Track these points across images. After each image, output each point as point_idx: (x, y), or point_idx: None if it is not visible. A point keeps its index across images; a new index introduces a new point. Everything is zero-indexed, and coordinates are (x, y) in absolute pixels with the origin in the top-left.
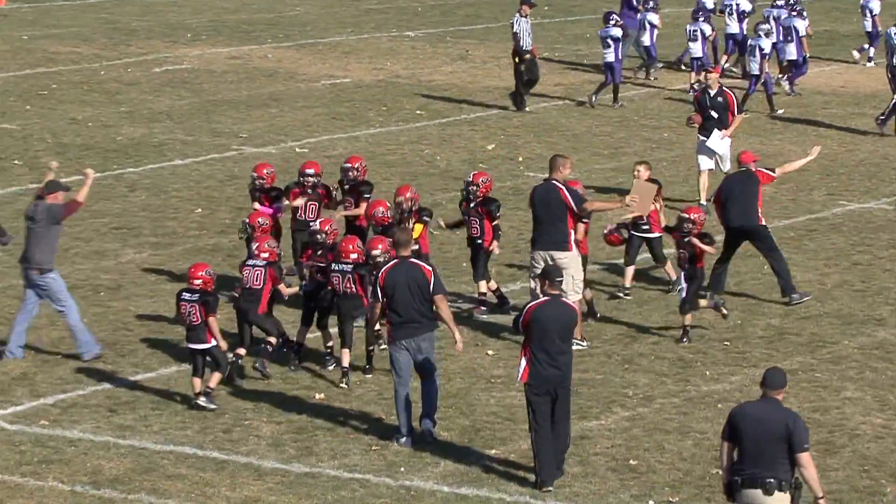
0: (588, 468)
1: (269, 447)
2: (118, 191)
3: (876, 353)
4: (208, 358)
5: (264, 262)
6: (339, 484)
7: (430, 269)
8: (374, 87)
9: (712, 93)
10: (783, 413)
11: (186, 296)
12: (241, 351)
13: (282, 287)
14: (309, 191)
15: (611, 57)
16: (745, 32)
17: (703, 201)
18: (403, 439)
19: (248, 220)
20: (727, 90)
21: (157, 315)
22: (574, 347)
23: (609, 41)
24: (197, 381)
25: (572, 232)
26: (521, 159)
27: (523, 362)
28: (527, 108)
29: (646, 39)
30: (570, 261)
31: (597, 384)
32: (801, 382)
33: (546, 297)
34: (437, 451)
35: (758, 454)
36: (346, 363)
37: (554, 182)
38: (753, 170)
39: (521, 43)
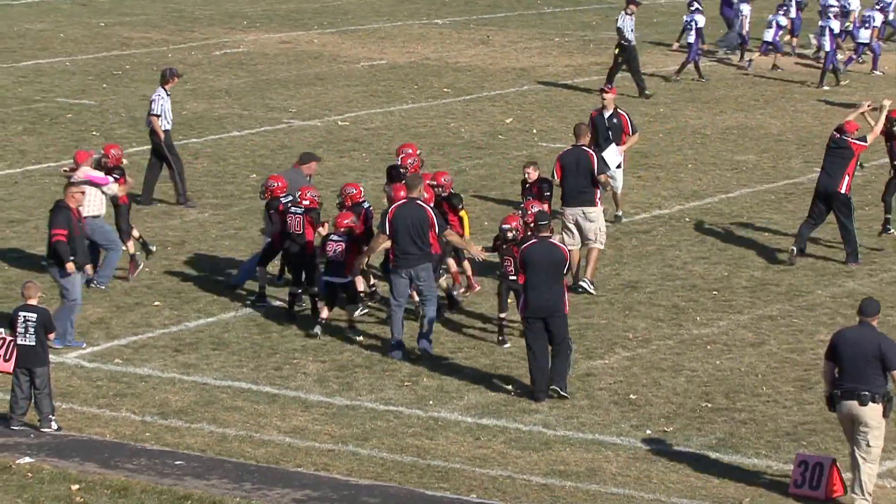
0: (593, 402)
1: (315, 383)
2: (183, 159)
3: (846, 301)
4: (343, 294)
5: (303, 210)
6: (376, 415)
7: (432, 210)
8: (407, 68)
9: (607, 114)
10: (877, 336)
11: (334, 237)
12: (297, 290)
13: (321, 229)
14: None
15: (692, 38)
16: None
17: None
18: (396, 352)
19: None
20: (622, 112)
21: (217, 267)
22: (579, 288)
23: (691, 24)
24: (325, 309)
25: (598, 190)
26: (535, 131)
27: (521, 297)
28: (647, 92)
29: (739, 26)
30: (597, 215)
31: (601, 328)
32: (780, 327)
33: (535, 240)
34: (462, 387)
35: (855, 371)
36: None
37: (583, 147)
38: (850, 141)
39: (626, 36)
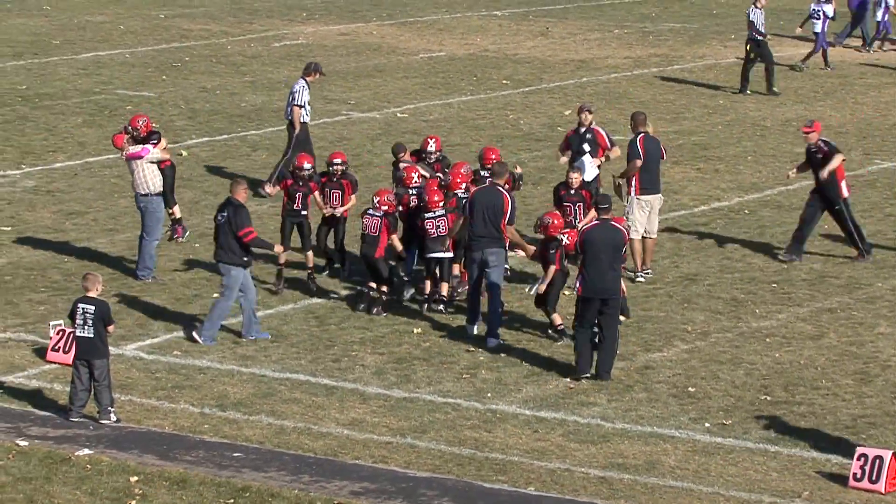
0: (652, 394)
1: (373, 375)
2: (242, 150)
3: None
4: (438, 268)
5: (381, 213)
6: (434, 407)
7: (510, 198)
8: (466, 60)
9: (582, 130)
10: None
11: (428, 216)
12: (372, 284)
13: (394, 238)
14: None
15: (818, 28)
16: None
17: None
18: (471, 327)
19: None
20: (596, 127)
21: (274, 259)
22: (639, 279)
23: (818, 14)
24: (428, 284)
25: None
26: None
27: (578, 279)
28: (775, 90)
29: (879, 16)
30: (660, 201)
31: (659, 320)
32: (840, 320)
33: (597, 221)
34: (520, 379)
35: None
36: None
37: (651, 135)
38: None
39: (760, 30)
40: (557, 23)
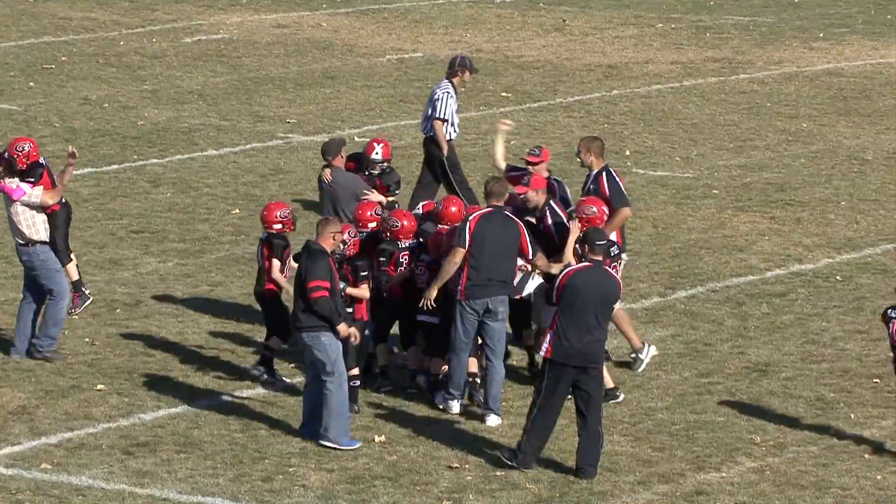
0: None
1: (318, 500)
2: (139, 186)
3: None
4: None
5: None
6: None
7: (524, 226)
8: None
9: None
10: None
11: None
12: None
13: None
14: None
15: None
16: None
17: None
18: (452, 402)
19: None
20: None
21: (184, 337)
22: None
23: None
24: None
25: None
26: (628, 153)
27: (548, 336)
28: None
29: None
30: None
31: (717, 428)
32: None
33: (587, 263)
34: None
35: None
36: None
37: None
38: None
39: None
40: (578, 14)
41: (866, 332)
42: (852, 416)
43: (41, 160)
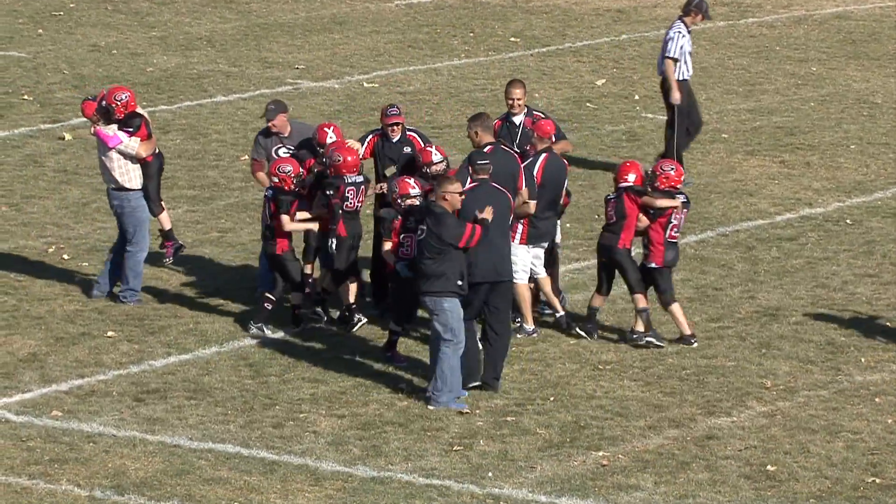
0: (716, 474)
1: (329, 446)
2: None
3: None
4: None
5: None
6: (414, 491)
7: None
8: (459, 9)
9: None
10: None
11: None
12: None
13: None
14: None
15: None
16: None
17: None
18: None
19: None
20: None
21: (194, 284)
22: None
23: None
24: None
25: None
26: (637, 98)
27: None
28: None
29: None
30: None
31: (727, 372)
32: None
33: (474, 182)
34: (533, 453)
35: None
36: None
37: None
38: None
39: None
40: None
41: (876, 275)
42: (862, 360)
43: (139, 110)
